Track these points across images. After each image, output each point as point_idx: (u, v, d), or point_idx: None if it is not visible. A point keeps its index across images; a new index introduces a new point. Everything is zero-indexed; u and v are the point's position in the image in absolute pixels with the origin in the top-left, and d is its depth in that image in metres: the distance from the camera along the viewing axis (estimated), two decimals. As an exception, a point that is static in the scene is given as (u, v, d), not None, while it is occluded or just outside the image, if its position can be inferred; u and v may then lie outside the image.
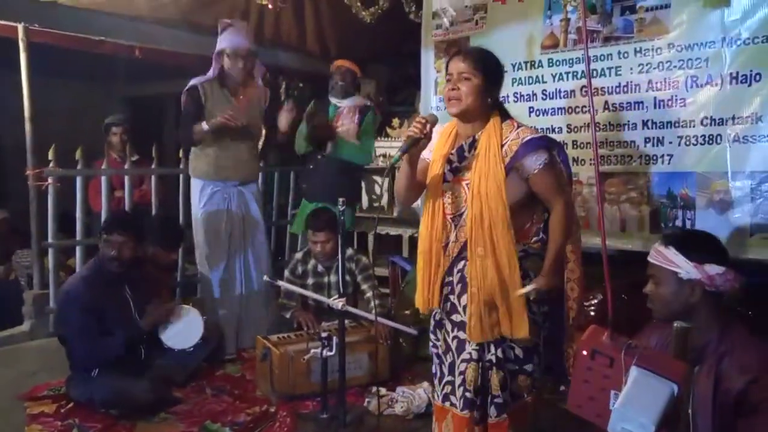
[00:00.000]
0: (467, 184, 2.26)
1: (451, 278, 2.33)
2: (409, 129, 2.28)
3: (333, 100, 4.40)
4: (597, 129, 3.34)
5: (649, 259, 1.95)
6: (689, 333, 1.52)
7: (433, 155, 2.37)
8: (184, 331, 3.40)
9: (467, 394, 2.25)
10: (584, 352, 1.72)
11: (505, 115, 2.33)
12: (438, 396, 2.39)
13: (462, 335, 2.29)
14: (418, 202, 2.52)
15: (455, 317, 2.32)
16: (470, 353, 2.26)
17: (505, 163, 2.21)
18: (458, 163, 2.30)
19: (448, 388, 2.33)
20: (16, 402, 3.24)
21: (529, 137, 2.22)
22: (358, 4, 4.21)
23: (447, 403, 2.33)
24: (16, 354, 3.89)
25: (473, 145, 2.28)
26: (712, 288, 1.83)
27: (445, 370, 2.36)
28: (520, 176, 2.24)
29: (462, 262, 2.31)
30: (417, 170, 2.36)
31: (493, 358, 2.24)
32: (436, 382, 2.43)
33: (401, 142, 5.56)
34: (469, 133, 2.30)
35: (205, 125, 3.73)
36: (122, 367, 3.16)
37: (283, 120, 4.03)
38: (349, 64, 4.42)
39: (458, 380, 2.29)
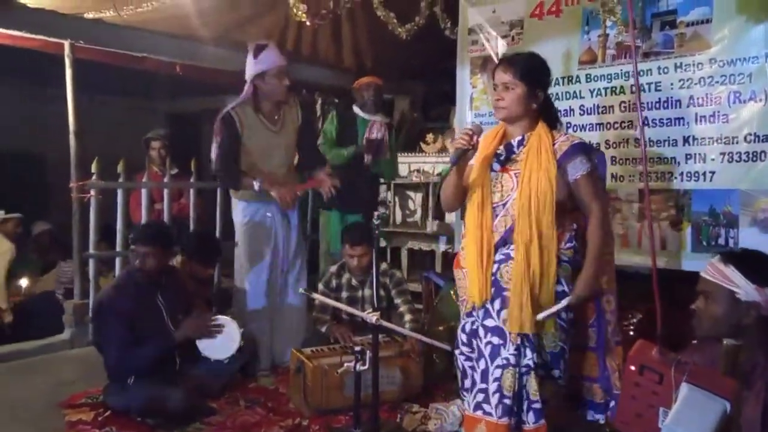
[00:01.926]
0: (515, 174, 2.35)
1: None
2: (455, 140, 2.37)
3: (365, 116, 4.47)
4: (637, 145, 3.29)
5: (704, 274, 1.89)
6: (739, 351, 1.47)
7: (478, 153, 2.44)
8: (221, 341, 3.42)
9: (506, 401, 2.25)
10: (632, 368, 1.68)
11: (552, 120, 2.46)
12: (469, 405, 2.39)
13: (495, 340, 2.32)
14: (453, 217, 2.58)
15: (488, 322, 2.36)
16: (507, 358, 2.28)
17: (556, 158, 2.33)
18: (507, 156, 2.42)
19: (480, 396, 2.33)
20: (55, 409, 3.30)
21: (579, 141, 2.40)
22: (394, 20, 4.23)
23: (479, 412, 2.32)
24: (56, 362, 3.98)
25: (522, 142, 2.40)
26: (767, 312, 1.77)
27: (477, 378, 2.36)
28: (563, 179, 2.34)
29: (495, 266, 2.37)
30: (465, 177, 2.46)
31: (531, 363, 2.27)
32: (465, 393, 2.46)
33: (435, 157, 5.65)
34: (518, 133, 2.42)
35: (256, 184, 3.67)
36: (157, 375, 3.19)
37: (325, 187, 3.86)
38: (377, 80, 4.53)
39: (493, 387, 2.29)
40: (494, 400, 2.27)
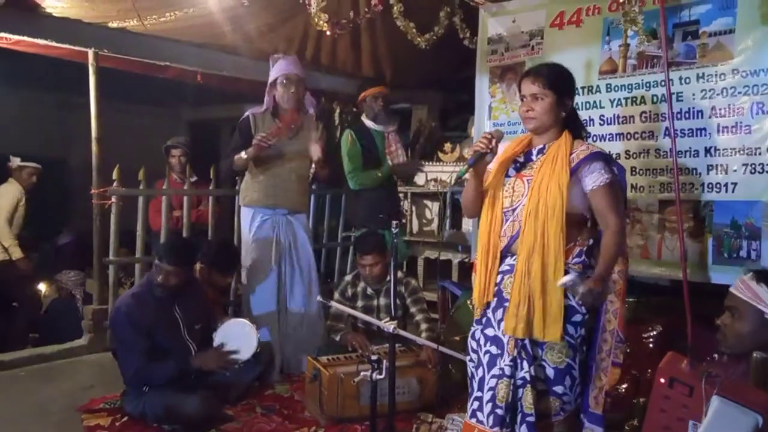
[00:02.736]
0: (528, 180, 2.35)
1: None
2: (474, 144, 2.38)
3: (379, 128, 4.42)
4: (658, 156, 3.27)
5: (733, 290, 1.85)
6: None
7: (499, 157, 2.45)
8: (238, 345, 3.42)
9: (498, 411, 2.25)
10: (662, 380, 1.65)
11: (577, 130, 2.44)
12: (467, 411, 2.40)
13: (493, 350, 2.32)
14: (469, 226, 2.56)
15: (488, 331, 2.36)
16: (502, 369, 2.28)
17: (570, 166, 2.29)
18: (524, 162, 2.41)
19: (475, 404, 2.35)
20: (73, 414, 3.33)
21: (597, 150, 2.35)
22: (414, 30, 4.25)
23: (473, 420, 2.33)
24: (74, 367, 4.01)
25: (542, 150, 2.39)
26: None
27: (475, 386, 2.38)
28: (581, 190, 2.31)
29: (499, 276, 2.36)
30: (483, 181, 2.46)
31: (527, 376, 2.25)
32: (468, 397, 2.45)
33: (453, 166, 5.62)
34: (542, 142, 2.42)
35: (243, 153, 3.81)
36: (174, 383, 3.20)
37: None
38: (383, 89, 4.47)
39: (487, 396, 2.30)
40: (487, 408, 2.28)
